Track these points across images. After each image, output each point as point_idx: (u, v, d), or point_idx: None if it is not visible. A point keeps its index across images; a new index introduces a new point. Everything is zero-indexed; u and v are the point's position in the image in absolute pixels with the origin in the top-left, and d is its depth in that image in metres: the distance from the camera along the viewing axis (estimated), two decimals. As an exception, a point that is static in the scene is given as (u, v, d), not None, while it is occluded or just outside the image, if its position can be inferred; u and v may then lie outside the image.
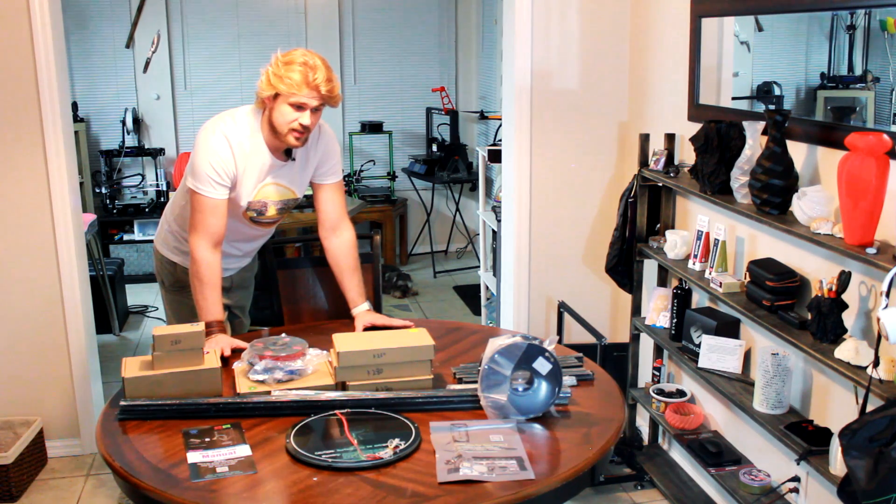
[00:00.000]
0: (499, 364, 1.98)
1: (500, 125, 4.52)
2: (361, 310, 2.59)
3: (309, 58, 2.36)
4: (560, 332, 3.66)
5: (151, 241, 5.90)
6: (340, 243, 2.66)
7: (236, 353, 2.36)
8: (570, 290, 3.72)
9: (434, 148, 6.50)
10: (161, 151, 6.20)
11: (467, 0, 6.67)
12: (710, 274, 2.78)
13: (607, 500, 3.24)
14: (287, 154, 2.51)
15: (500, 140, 4.07)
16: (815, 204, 2.30)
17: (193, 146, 2.47)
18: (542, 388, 1.99)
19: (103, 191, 6.08)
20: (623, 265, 3.37)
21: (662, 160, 3.15)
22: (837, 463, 2.15)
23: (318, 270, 2.90)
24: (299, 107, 2.35)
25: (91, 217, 4.67)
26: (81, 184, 5.04)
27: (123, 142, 6.14)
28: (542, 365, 1.98)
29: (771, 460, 2.70)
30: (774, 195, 2.41)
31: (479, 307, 5.16)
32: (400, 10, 6.53)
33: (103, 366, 3.77)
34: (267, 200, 2.54)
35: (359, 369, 2.11)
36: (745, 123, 2.60)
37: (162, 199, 6.16)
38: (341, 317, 2.79)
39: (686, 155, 3.16)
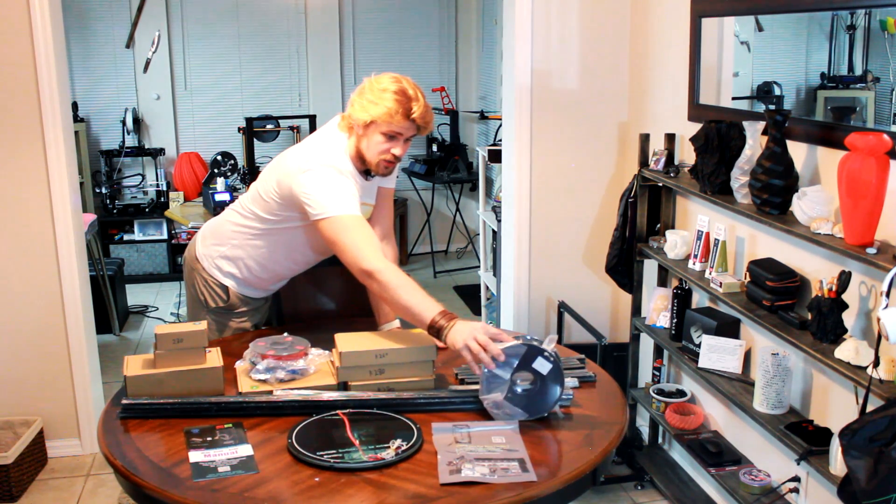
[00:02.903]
0: (498, 367, 1.98)
1: (500, 125, 4.53)
2: (392, 326, 2.54)
3: (407, 86, 2.29)
4: (560, 332, 3.66)
5: (152, 242, 6.02)
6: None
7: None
8: (570, 290, 3.72)
9: (434, 148, 6.50)
10: (161, 151, 6.20)
11: (467, 0, 6.67)
12: (710, 274, 2.78)
13: (607, 499, 3.24)
14: (367, 173, 2.44)
15: (500, 140, 4.07)
16: (815, 204, 2.30)
17: (305, 187, 2.28)
18: (544, 388, 1.99)
19: (103, 191, 6.08)
20: (623, 265, 3.38)
21: (662, 160, 3.16)
22: (837, 463, 2.15)
23: (319, 270, 2.90)
24: (392, 136, 2.30)
25: (91, 217, 4.66)
26: (81, 184, 5.04)
27: (123, 142, 6.14)
28: (541, 365, 1.98)
29: (771, 460, 2.71)
30: (774, 195, 2.41)
31: (479, 307, 5.16)
32: (400, 10, 6.53)
33: (103, 366, 3.77)
34: None
35: (361, 369, 2.11)
36: (745, 123, 2.60)
37: (162, 199, 6.16)
38: (342, 317, 2.79)
39: (686, 155, 3.16)
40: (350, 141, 2.38)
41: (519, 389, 2.00)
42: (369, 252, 2.19)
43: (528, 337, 2.03)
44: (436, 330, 2.08)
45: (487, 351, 1.99)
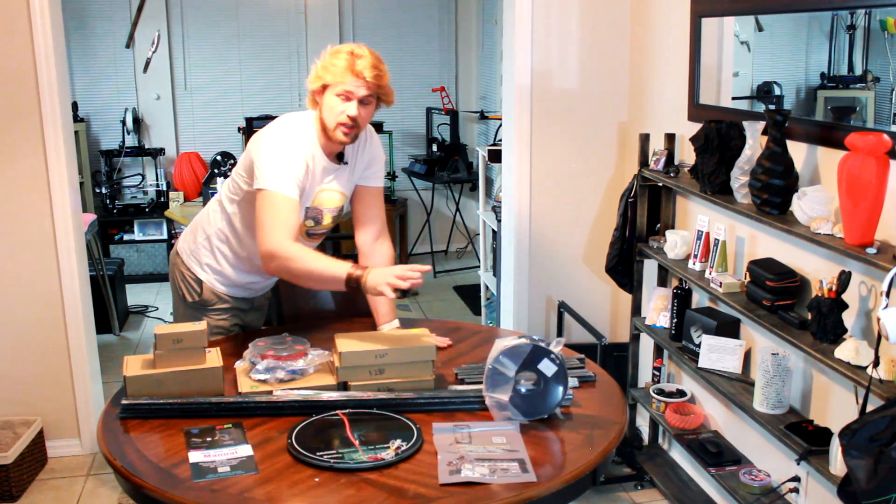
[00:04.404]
0: (503, 365, 1.98)
1: (500, 125, 4.53)
2: (391, 327, 2.53)
3: (356, 48, 2.30)
4: (560, 332, 3.67)
5: (152, 242, 6.02)
6: (381, 254, 2.56)
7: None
8: (570, 290, 3.72)
9: (434, 148, 6.50)
10: (161, 151, 6.21)
11: (467, 0, 6.67)
12: (710, 274, 2.78)
13: (607, 499, 3.24)
14: (339, 158, 2.44)
15: (500, 140, 4.07)
16: (815, 204, 2.30)
17: (257, 153, 2.32)
18: (548, 389, 1.99)
19: (103, 191, 6.08)
20: (623, 265, 3.38)
21: (662, 160, 3.16)
22: (837, 463, 2.15)
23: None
24: (346, 97, 2.29)
25: (91, 217, 4.67)
26: (81, 184, 5.04)
27: (123, 142, 6.15)
28: (547, 367, 1.98)
29: (771, 460, 2.71)
30: (774, 195, 2.41)
31: (479, 307, 5.16)
32: (400, 10, 6.53)
33: (103, 366, 3.77)
34: (323, 207, 2.45)
35: (361, 369, 2.11)
36: (745, 123, 2.60)
37: (162, 199, 6.17)
38: (342, 317, 2.79)
39: (686, 155, 3.16)
40: (315, 115, 2.38)
41: (523, 390, 2.00)
42: (278, 233, 2.21)
43: (535, 338, 2.03)
44: (354, 280, 2.14)
45: (406, 277, 2.08)
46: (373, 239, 2.57)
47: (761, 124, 2.56)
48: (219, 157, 5.37)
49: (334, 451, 1.83)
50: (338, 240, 5.18)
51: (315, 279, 2.26)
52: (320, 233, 2.54)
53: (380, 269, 2.17)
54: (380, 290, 2.11)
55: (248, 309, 2.70)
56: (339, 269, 2.18)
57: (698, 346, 2.79)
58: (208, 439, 1.91)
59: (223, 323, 2.63)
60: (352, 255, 2.66)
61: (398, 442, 1.86)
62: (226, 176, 5.28)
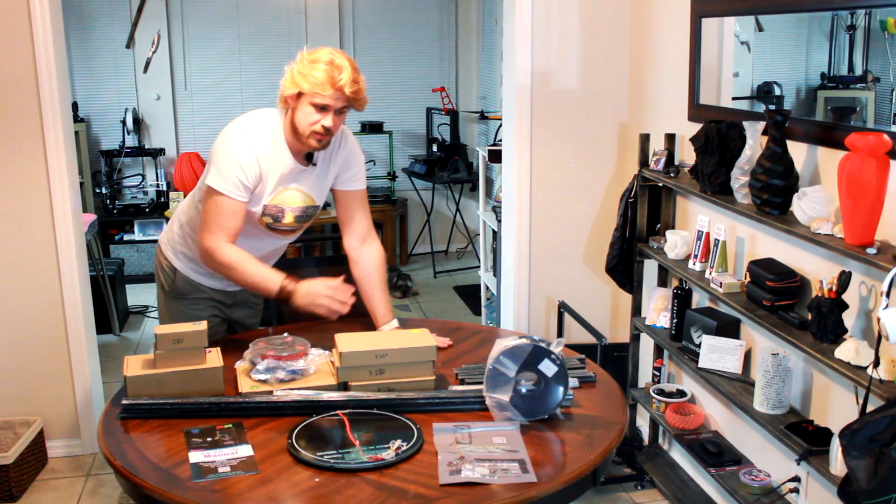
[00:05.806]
0: (504, 365, 1.98)
1: (500, 125, 4.53)
2: (391, 327, 2.54)
3: (335, 57, 2.27)
4: (560, 332, 3.66)
5: (152, 242, 6.02)
6: (370, 256, 2.57)
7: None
8: (570, 290, 3.72)
9: (434, 148, 6.50)
10: (161, 152, 6.20)
11: (467, 0, 6.67)
12: (710, 274, 2.78)
13: (608, 500, 3.24)
14: (308, 158, 2.43)
15: (500, 140, 4.07)
16: (815, 204, 2.30)
17: (215, 146, 2.37)
18: (548, 390, 2.00)
19: (103, 191, 6.09)
20: (623, 265, 3.38)
21: (662, 160, 3.16)
22: (837, 463, 2.15)
23: (317, 270, 2.89)
24: (322, 108, 2.28)
25: (91, 217, 4.66)
26: (81, 184, 5.04)
27: (123, 142, 6.14)
28: (547, 367, 1.98)
29: (771, 460, 2.71)
30: (775, 195, 2.41)
31: (479, 307, 5.16)
32: (400, 11, 6.53)
33: (103, 366, 3.77)
34: (284, 206, 2.43)
35: (361, 369, 2.11)
36: (745, 123, 2.60)
37: (162, 200, 6.17)
38: (342, 317, 2.78)
39: (686, 155, 3.16)
40: (286, 117, 2.37)
41: (523, 390, 2.00)
42: (218, 236, 2.34)
43: (536, 338, 2.03)
44: (287, 293, 2.32)
45: (334, 302, 2.30)
46: (360, 242, 2.58)
47: (761, 124, 2.56)
48: (219, 158, 5.38)
49: (334, 452, 1.83)
50: (337, 240, 5.18)
51: (250, 285, 2.42)
52: (283, 229, 2.51)
53: (310, 287, 2.29)
54: (311, 310, 2.26)
55: (231, 304, 2.70)
56: (273, 280, 2.34)
57: (698, 346, 2.79)
58: (208, 439, 1.91)
59: (201, 313, 2.61)
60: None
61: (398, 442, 1.86)
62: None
